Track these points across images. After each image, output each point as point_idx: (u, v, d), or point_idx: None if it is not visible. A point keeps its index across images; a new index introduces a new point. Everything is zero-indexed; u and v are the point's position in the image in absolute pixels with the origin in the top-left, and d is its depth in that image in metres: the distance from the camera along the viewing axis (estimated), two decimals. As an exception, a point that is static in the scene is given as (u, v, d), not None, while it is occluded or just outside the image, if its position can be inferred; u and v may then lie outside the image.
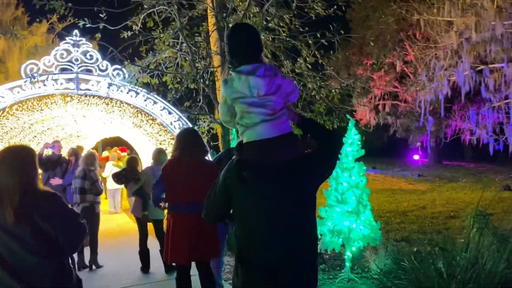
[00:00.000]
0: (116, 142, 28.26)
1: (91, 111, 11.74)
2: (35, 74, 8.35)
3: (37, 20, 14.06)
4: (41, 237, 2.40)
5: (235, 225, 2.27)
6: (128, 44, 7.62)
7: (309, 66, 7.26)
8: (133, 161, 6.88)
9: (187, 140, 4.22)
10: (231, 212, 2.33)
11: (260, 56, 2.27)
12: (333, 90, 7.02)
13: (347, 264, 5.52)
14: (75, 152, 8.05)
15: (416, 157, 32.39)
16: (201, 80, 7.41)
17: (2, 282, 2.40)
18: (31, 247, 2.38)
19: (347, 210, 5.34)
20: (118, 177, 6.72)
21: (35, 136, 18.82)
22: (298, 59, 7.33)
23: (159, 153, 6.48)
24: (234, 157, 2.23)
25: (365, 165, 5.53)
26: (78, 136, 26.95)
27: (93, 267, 6.67)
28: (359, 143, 5.57)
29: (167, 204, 4.37)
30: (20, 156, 2.52)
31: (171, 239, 4.17)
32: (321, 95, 7.78)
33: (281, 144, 2.09)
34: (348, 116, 6.22)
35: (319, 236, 5.66)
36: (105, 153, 21.72)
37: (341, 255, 6.15)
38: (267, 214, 2.10)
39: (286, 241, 2.10)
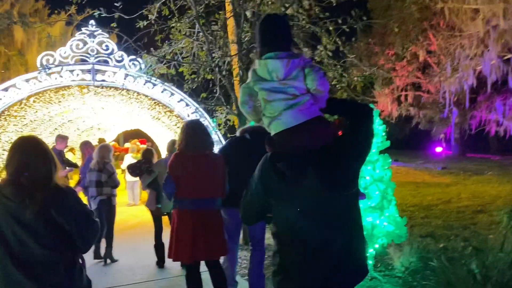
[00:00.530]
0: (137, 135, 28.43)
1: (110, 103, 11.67)
2: (51, 65, 8.24)
3: (56, 11, 14.04)
4: (55, 231, 2.34)
5: (272, 221, 2.20)
6: (143, 34, 7.42)
7: (330, 54, 6.95)
8: (148, 152, 6.74)
9: (192, 133, 4.06)
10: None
11: (290, 47, 2.20)
12: (355, 78, 6.68)
13: (370, 262, 5.24)
14: (87, 145, 7.90)
15: (439, 149, 31.59)
16: (217, 69, 7.17)
17: (9, 277, 2.30)
18: (44, 241, 2.32)
19: (370, 205, 5.06)
20: (132, 169, 6.58)
21: (56, 129, 18.96)
22: (318, 47, 7.02)
23: (173, 145, 6.27)
24: (267, 152, 2.14)
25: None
26: (99, 128, 27.17)
27: (108, 260, 6.57)
28: (383, 134, 5.27)
29: None
30: (43, 146, 2.44)
31: (175, 237, 4.03)
32: (342, 85, 7.47)
33: (311, 129, 2.01)
34: (371, 105, 5.90)
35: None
36: (127, 145, 21.81)
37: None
38: (308, 205, 2.02)
39: (327, 232, 2.03)
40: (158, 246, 6.28)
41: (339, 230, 2.05)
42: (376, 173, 5.11)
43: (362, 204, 5.12)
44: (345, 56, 8.19)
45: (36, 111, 10.83)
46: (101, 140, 20.55)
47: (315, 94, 2.09)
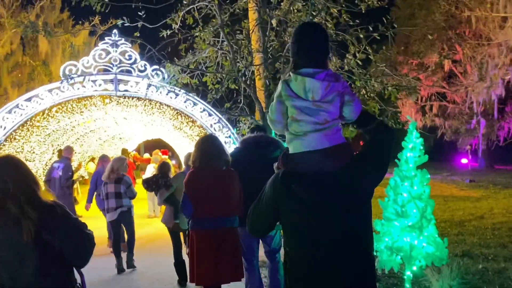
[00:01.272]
0: (158, 144, 28.47)
1: (131, 113, 11.57)
2: (73, 75, 8.15)
3: (80, 22, 14.13)
4: (44, 252, 2.16)
5: (285, 239, 2.17)
6: (167, 43, 7.26)
7: (359, 63, 6.65)
8: (164, 166, 6.47)
9: (207, 148, 3.95)
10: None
11: (326, 61, 2.09)
12: (389, 88, 6.35)
13: (407, 285, 4.87)
14: (103, 159, 8.27)
15: (464, 161, 30.70)
16: (242, 79, 6.94)
17: None
18: (33, 264, 2.13)
19: (408, 224, 4.70)
20: (147, 184, 6.25)
21: (78, 138, 19.05)
22: (347, 55, 6.73)
23: (190, 157, 6.01)
24: (279, 168, 2.07)
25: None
26: (120, 138, 27.31)
27: (126, 268, 6.60)
28: (421, 148, 4.92)
29: None
30: (22, 164, 2.30)
31: (196, 259, 3.85)
32: (370, 94, 7.15)
33: (332, 155, 1.93)
34: (408, 117, 5.59)
35: (374, 253, 5.05)
36: (146, 155, 21.77)
37: (398, 274, 5.50)
38: (319, 226, 1.95)
39: (341, 255, 1.95)
40: (179, 265, 5.94)
41: (353, 253, 1.96)
42: (414, 190, 4.76)
43: (399, 223, 4.77)
44: (374, 65, 7.88)
45: (59, 121, 10.79)
46: (124, 151, 20.66)
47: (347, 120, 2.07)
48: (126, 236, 6.93)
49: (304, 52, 2.03)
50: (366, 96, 7.22)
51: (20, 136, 9.55)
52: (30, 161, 13.18)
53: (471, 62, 24.91)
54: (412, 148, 4.87)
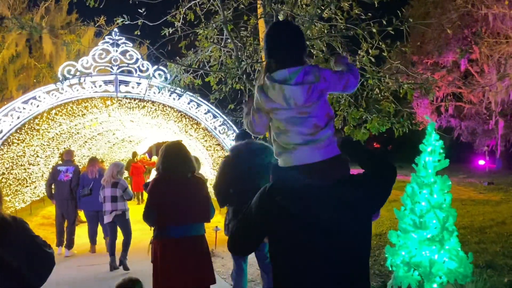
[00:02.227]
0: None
1: (136, 115, 11.22)
2: (69, 76, 7.80)
3: (85, 23, 13.86)
4: (1, 270, 2.04)
5: (272, 260, 1.92)
6: (168, 42, 6.86)
7: (372, 60, 6.16)
8: None
9: (171, 155, 3.89)
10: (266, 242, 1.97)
11: (303, 57, 1.95)
12: (405, 86, 5.85)
13: (427, 304, 4.38)
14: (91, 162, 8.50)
15: (481, 162, 29.85)
16: (244, 76, 6.51)
17: None
18: None
19: (427, 237, 4.21)
20: (147, 187, 5.98)
21: (86, 142, 18.81)
22: (359, 51, 6.25)
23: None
24: (267, 183, 1.90)
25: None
26: (130, 141, 27.13)
27: (121, 266, 6.88)
28: (441, 151, 4.43)
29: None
30: None
31: (159, 269, 3.79)
32: (384, 94, 6.67)
33: (325, 169, 1.78)
34: (427, 117, 5.10)
35: (390, 268, 4.57)
36: (154, 158, 21.48)
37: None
38: (313, 246, 1.77)
39: (334, 277, 1.78)
40: None
41: (351, 279, 1.80)
42: (433, 198, 4.27)
43: (416, 235, 4.29)
44: (385, 63, 7.38)
45: (60, 124, 10.47)
46: (134, 154, 20.38)
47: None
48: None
49: (276, 52, 1.90)
50: (379, 95, 6.73)
51: (19, 140, 9.24)
52: (34, 165, 12.92)
53: (488, 61, 24.17)
54: (431, 152, 4.39)
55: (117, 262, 6.93)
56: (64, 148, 16.47)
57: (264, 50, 2.01)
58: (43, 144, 12.32)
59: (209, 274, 3.90)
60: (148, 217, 3.84)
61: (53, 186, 8.60)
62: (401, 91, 5.92)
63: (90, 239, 8.55)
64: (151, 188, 3.89)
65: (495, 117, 23.60)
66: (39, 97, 8.21)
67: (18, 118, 8.08)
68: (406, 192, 4.47)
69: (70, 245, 8.52)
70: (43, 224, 11.70)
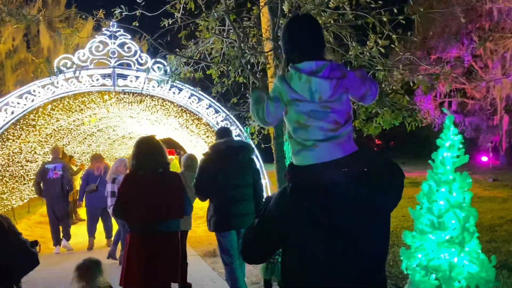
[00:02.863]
0: (167, 144, 27.86)
1: (136, 111, 10.92)
2: (64, 69, 7.49)
3: (83, 17, 13.54)
4: None
5: (287, 267, 1.82)
6: (166, 31, 6.54)
7: (382, 50, 5.85)
8: None
9: (143, 150, 3.87)
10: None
11: (324, 53, 1.92)
12: (420, 77, 5.53)
13: (446, 311, 4.08)
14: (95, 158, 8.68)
15: (484, 158, 29.55)
16: (248, 68, 6.20)
17: None
18: None
19: (446, 238, 3.92)
20: None
21: (85, 138, 18.53)
22: (368, 42, 5.93)
23: (190, 159, 6.13)
24: (286, 184, 1.80)
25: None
26: (130, 138, 26.83)
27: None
28: (460, 146, 4.13)
29: None
30: None
31: (126, 262, 3.83)
32: (393, 87, 6.36)
33: (347, 165, 1.70)
34: (444, 109, 4.79)
35: (405, 271, 4.27)
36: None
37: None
38: (338, 252, 1.69)
39: (355, 280, 1.71)
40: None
41: (371, 281, 1.75)
42: (452, 197, 3.97)
43: (434, 236, 3.99)
44: (394, 55, 7.08)
45: (58, 120, 10.17)
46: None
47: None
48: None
49: (302, 45, 1.84)
50: (388, 89, 6.43)
51: (15, 136, 8.95)
52: (31, 162, 12.63)
53: (492, 56, 23.86)
54: (450, 147, 4.09)
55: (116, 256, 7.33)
56: (64, 144, 16.21)
57: (285, 43, 1.92)
58: (41, 141, 12.03)
59: (173, 272, 3.89)
60: (116, 213, 3.94)
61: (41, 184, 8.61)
62: (415, 82, 5.59)
63: (88, 233, 8.54)
64: (121, 184, 3.89)
65: (500, 113, 23.25)
66: (34, 91, 7.89)
67: (13, 113, 7.77)
68: (422, 190, 4.17)
69: (67, 236, 8.59)
70: (40, 223, 11.41)
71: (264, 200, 1.97)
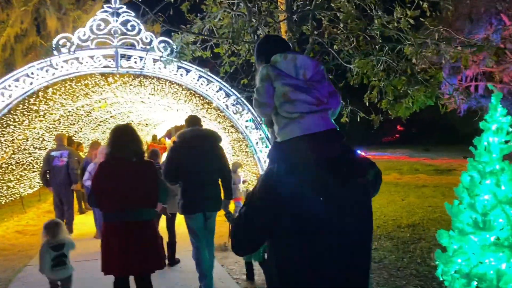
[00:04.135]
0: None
1: (144, 95, 10.37)
2: (63, 49, 6.95)
3: (92, -1, 13.01)
4: None
5: (277, 254, 1.73)
6: (168, 4, 5.92)
7: (412, 22, 5.12)
8: (152, 154, 6.59)
9: (118, 138, 3.85)
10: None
11: None
12: (459, 48, 4.79)
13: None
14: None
15: (511, 145, 28.28)
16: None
17: None
18: None
19: (492, 240, 3.24)
20: None
21: (99, 125, 18.18)
22: (395, 13, 5.20)
23: None
24: (271, 163, 1.75)
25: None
26: (146, 124, 26.49)
27: None
28: (510, 129, 3.41)
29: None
30: None
31: (103, 250, 3.86)
32: (422, 65, 5.65)
33: (329, 140, 1.73)
34: (490, 86, 4.07)
35: (440, 277, 3.61)
36: (169, 142, 20.80)
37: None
38: (332, 229, 1.65)
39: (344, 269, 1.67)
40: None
41: (358, 267, 1.72)
42: (500, 191, 3.28)
43: (477, 237, 3.31)
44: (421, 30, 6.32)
45: (63, 105, 9.70)
46: (154, 137, 19.62)
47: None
48: None
49: (276, 46, 1.92)
50: (418, 67, 5.70)
51: (16, 122, 8.50)
52: (40, 149, 12.24)
53: (523, 37, 22.60)
54: (497, 130, 3.38)
55: None
56: (76, 131, 15.86)
57: (261, 56, 1.95)
58: (48, 127, 11.61)
59: (154, 259, 3.92)
60: (91, 201, 3.95)
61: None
62: (455, 54, 4.84)
63: (96, 224, 8.14)
64: (95, 172, 3.87)
65: (531, 96, 22.06)
66: (31, 73, 7.39)
67: (11, 96, 7.30)
68: (462, 182, 3.49)
69: (69, 230, 8.23)
70: (49, 212, 11.02)
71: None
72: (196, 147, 4.74)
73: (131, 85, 8.67)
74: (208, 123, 10.29)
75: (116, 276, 3.92)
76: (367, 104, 6.31)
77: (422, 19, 5.82)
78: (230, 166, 5.35)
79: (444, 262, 3.42)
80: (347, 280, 1.69)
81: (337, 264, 1.67)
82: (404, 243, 7.22)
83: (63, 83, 7.92)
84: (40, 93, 7.85)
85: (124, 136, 3.87)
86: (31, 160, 11.82)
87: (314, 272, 1.67)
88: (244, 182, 7.91)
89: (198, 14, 6.36)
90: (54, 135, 12.72)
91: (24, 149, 10.81)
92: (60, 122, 12.24)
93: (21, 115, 8.37)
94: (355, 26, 5.06)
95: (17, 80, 7.31)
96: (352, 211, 1.70)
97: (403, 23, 5.04)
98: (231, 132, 9.37)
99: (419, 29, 6.45)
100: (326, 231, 1.65)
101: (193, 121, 5.09)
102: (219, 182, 4.98)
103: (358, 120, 6.35)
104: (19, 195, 11.15)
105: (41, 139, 11.77)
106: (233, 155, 11.07)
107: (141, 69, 7.77)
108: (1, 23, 13.50)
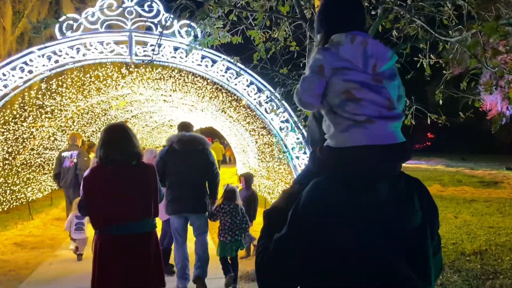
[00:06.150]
0: (209, 133, 26.36)
1: (164, 90, 9.22)
2: (69, 32, 5.85)
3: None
4: None
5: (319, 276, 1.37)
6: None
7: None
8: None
9: (112, 139, 3.33)
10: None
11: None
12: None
13: None
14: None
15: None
16: (307, 24, 4.28)
17: None
18: None
19: None
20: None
21: (119, 125, 17.22)
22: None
23: None
24: (314, 175, 1.41)
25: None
26: (171, 126, 25.54)
27: None
28: None
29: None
30: None
31: (97, 266, 3.32)
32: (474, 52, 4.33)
33: (396, 155, 1.38)
34: None
35: None
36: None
37: None
38: (387, 252, 1.32)
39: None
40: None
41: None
42: None
43: None
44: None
45: (73, 100, 8.62)
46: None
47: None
48: None
49: (345, 15, 1.50)
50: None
51: (16, 118, 7.44)
52: (52, 150, 11.22)
53: None
54: None
55: None
56: (93, 131, 14.89)
57: (322, 19, 1.54)
58: (61, 126, 10.59)
59: (155, 277, 3.50)
60: (82, 212, 3.56)
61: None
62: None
63: None
64: (86, 179, 3.33)
65: None
66: (31, 61, 6.29)
67: (6, 87, 6.21)
68: None
69: None
70: (58, 219, 9.98)
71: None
72: (181, 150, 5.01)
73: (148, 78, 7.50)
74: (235, 125, 9.05)
75: None
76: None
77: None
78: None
79: None
80: None
81: None
82: (476, 278, 5.77)
83: (70, 73, 6.80)
84: (43, 85, 6.74)
85: (120, 137, 3.36)
86: (41, 161, 10.79)
87: None
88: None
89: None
90: (68, 134, 11.75)
91: (32, 149, 9.78)
92: (74, 121, 11.21)
93: (23, 110, 7.29)
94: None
95: (13, 68, 6.21)
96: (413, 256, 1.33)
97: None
98: (262, 134, 8.10)
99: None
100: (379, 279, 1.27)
101: (184, 126, 5.40)
102: (206, 184, 5.20)
103: (429, 122, 5.05)
104: (26, 200, 10.13)
105: (52, 138, 10.75)
106: (262, 161, 9.85)
107: (159, 57, 6.58)
108: (17, 13, 12.62)
